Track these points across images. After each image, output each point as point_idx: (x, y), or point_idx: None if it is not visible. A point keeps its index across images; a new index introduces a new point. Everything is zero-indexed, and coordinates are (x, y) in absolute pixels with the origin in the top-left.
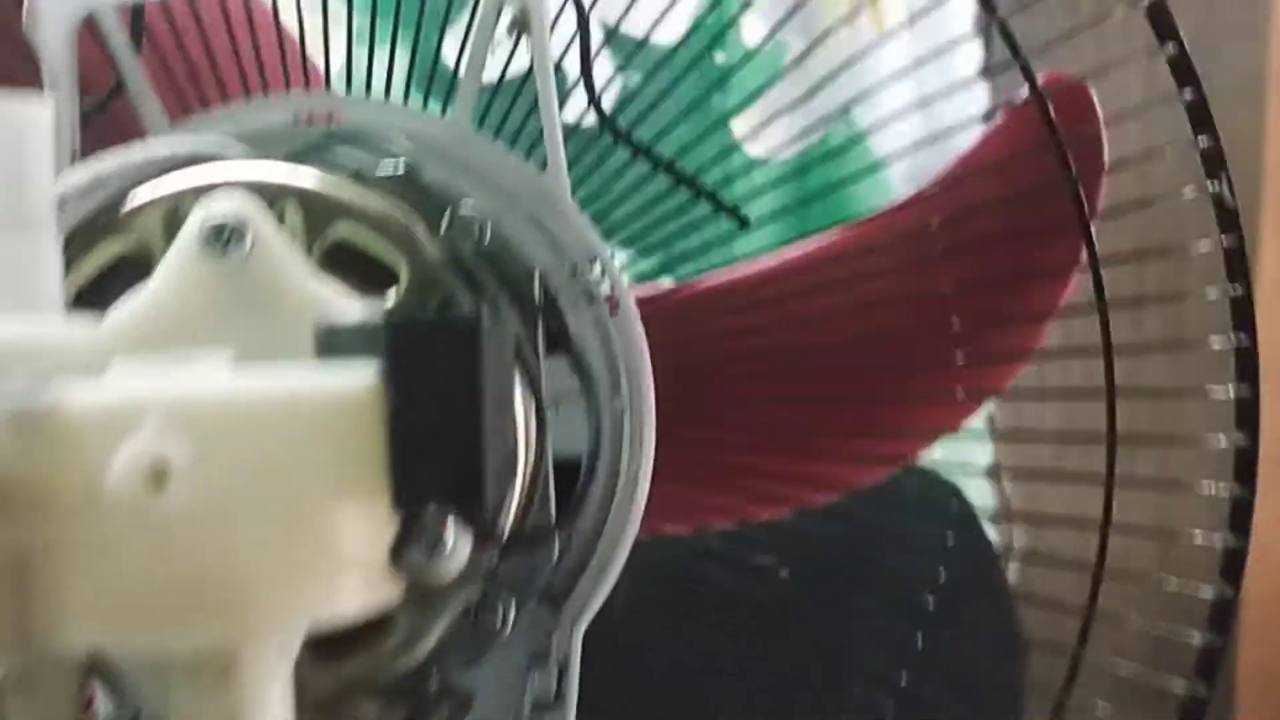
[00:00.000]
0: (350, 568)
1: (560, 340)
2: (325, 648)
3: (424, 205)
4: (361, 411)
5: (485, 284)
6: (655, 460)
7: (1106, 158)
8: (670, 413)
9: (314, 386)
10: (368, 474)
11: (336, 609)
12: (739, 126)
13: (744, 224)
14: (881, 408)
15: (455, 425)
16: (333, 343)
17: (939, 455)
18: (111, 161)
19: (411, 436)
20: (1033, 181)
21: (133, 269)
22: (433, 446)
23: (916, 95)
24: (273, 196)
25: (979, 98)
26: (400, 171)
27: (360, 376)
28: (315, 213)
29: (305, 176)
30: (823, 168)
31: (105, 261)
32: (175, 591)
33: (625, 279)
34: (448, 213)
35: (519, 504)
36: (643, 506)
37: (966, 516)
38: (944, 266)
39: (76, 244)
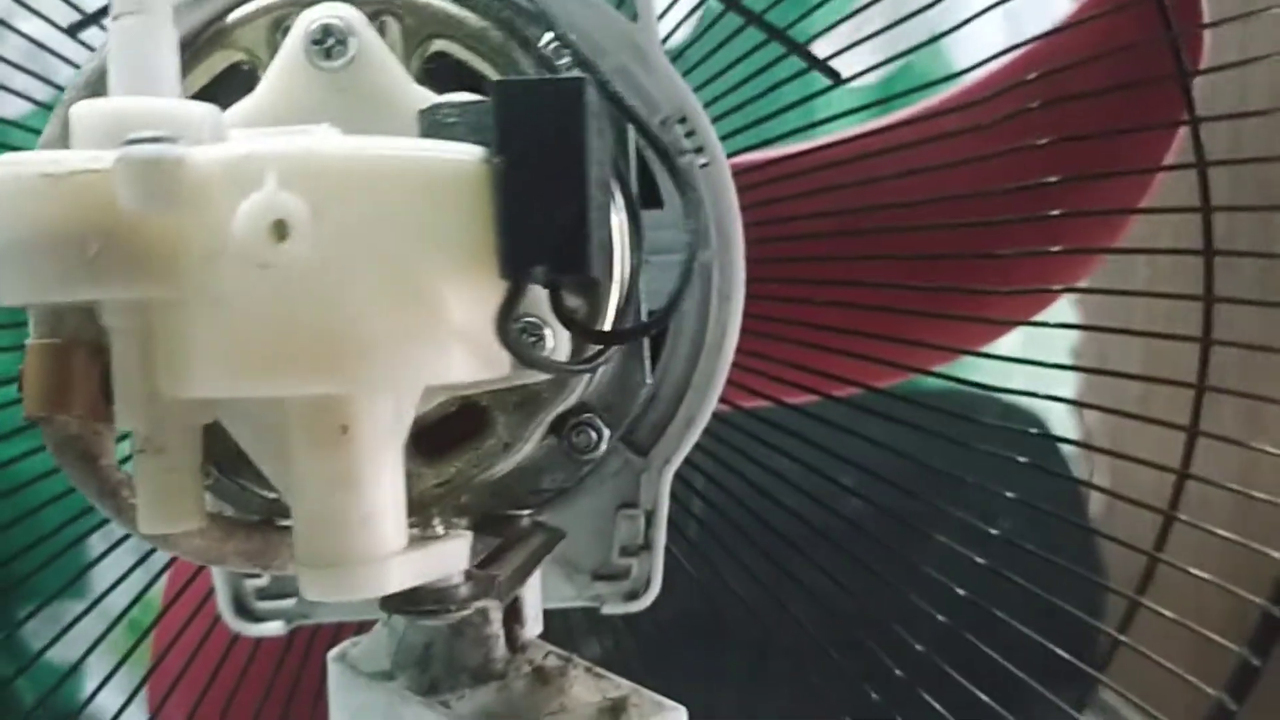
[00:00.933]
0: (459, 334)
1: (649, 194)
2: (430, 447)
3: (520, 29)
4: (471, 183)
5: None
6: (744, 315)
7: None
8: (760, 270)
9: (426, 154)
10: (478, 246)
11: (447, 374)
12: (821, 49)
13: (837, 80)
14: (975, 265)
15: (560, 183)
16: (437, 123)
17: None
18: None
19: (518, 196)
20: (1134, 38)
21: (240, 81)
22: (538, 207)
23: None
24: (373, 10)
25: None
26: None
27: (469, 151)
28: (414, 26)
29: None
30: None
31: (213, 73)
32: (293, 342)
33: (714, 133)
34: (549, 33)
35: (614, 315)
36: (730, 360)
37: (1046, 444)
38: (1041, 120)
39: (185, 55)
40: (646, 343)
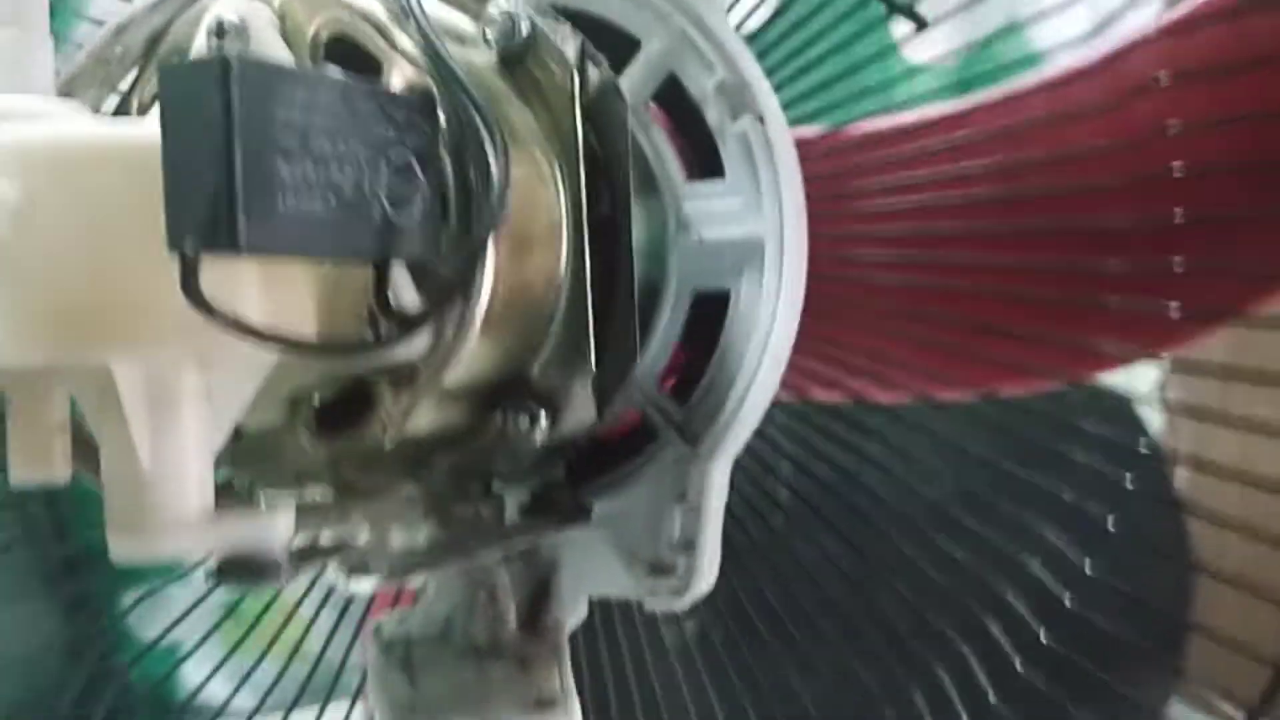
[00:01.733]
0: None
1: (710, 163)
2: (326, 421)
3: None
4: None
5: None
6: (805, 297)
7: None
8: (825, 248)
9: (121, 135)
10: None
11: (208, 349)
12: (899, 29)
13: (921, 25)
14: (1077, 240)
15: (206, 159)
16: None
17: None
18: None
19: (174, 173)
20: None
21: None
22: (189, 182)
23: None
24: None
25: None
26: None
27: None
28: (313, 8)
29: None
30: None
31: None
32: (21, 318)
33: (776, 102)
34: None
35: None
36: (787, 346)
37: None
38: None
39: (145, 59)
40: (591, 329)
